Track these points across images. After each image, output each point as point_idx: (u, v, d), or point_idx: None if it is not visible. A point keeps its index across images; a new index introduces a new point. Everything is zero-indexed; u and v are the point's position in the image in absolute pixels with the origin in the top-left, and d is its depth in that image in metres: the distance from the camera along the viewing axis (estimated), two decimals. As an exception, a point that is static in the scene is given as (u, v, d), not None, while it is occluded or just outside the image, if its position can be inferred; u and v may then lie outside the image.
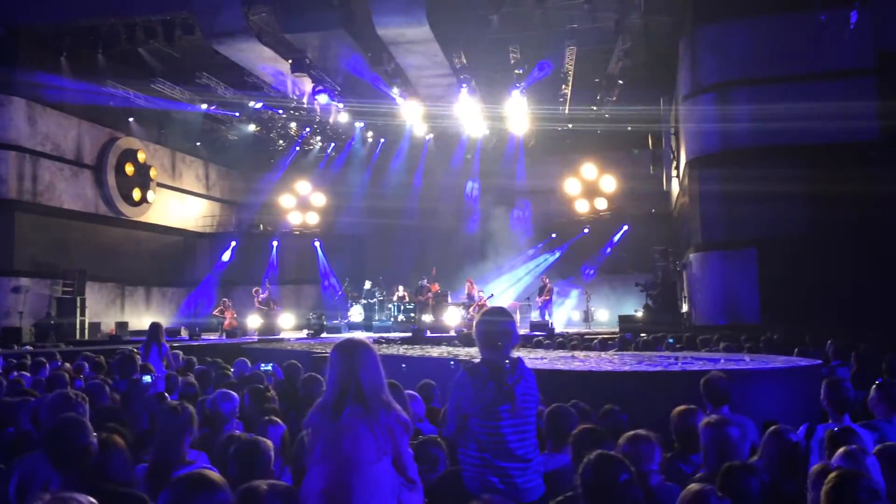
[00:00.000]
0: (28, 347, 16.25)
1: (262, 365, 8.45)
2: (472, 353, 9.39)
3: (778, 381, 6.50)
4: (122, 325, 22.44)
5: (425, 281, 22.46)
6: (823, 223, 14.81)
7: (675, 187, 22.20)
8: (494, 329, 3.68)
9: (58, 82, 21.19)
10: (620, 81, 21.18)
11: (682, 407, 4.33)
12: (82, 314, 21.27)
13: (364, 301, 23.52)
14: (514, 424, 3.48)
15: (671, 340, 11.74)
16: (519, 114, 24.05)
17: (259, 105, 25.22)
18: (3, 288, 20.10)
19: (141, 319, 23.93)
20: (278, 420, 4.84)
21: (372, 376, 3.17)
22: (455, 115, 24.34)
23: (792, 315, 13.87)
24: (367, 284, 23.80)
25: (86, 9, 19.34)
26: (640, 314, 19.39)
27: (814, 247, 14.92)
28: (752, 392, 6.02)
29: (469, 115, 24.30)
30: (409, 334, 17.49)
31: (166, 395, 5.99)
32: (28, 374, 8.50)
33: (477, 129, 25.93)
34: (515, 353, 3.75)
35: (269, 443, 3.65)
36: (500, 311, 3.89)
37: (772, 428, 4.05)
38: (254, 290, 22.48)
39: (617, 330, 17.91)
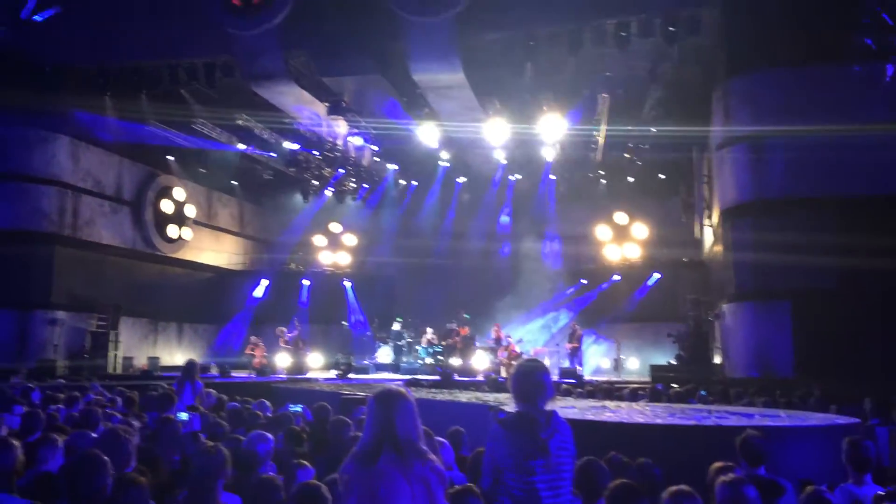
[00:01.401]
0: (61, 381, 16.39)
1: (291, 406, 8.45)
2: (501, 398, 9.37)
3: (815, 439, 6.38)
4: (153, 361, 22.60)
5: (454, 324, 22.41)
6: (859, 277, 14.54)
7: (707, 236, 22.06)
8: (529, 381, 3.67)
9: (101, 121, 21.71)
10: (653, 129, 21.27)
11: (719, 463, 4.29)
12: (116, 349, 21.51)
13: (392, 342, 23.50)
14: (549, 479, 3.45)
15: (703, 393, 11.57)
16: (551, 160, 24.25)
17: (296, 146, 25.66)
18: (41, 321, 20.42)
19: (172, 356, 24.16)
20: (307, 464, 4.85)
21: (408, 426, 3.19)
22: (487, 160, 24.58)
23: (827, 370, 13.55)
24: (396, 325, 23.80)
25: (131, 52, 19.92)
26: (672, 364, 19.11)
27: (849, 301, 14.63)
28: (789, 450, 5.91)
29: (501, 159, 24.56)
30: (438, 377, 17.47)
31: (200, 434, 6.02)
32: (64, 408, 8.59)
33: (509, 173, 26.13)
34: (550, 406, 3.73)
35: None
36: (535, 362, 3.90)
37: (809, 488, 4.04)
38: (278, 329, 22.58)
39: (647, 379, 17.68)
